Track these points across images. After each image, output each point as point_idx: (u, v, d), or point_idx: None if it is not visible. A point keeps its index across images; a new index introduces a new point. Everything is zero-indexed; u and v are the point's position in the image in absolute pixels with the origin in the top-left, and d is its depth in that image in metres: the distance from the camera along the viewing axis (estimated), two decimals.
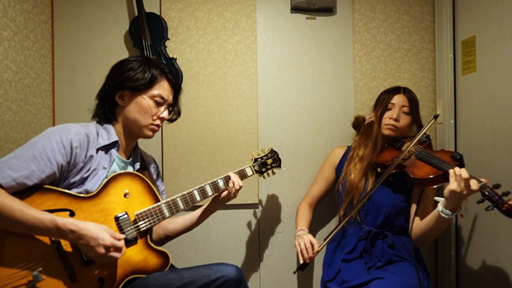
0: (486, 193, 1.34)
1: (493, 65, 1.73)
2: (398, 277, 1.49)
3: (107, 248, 1.15)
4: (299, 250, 1.61)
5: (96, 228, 1.15)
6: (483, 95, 1.79)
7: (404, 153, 1.60)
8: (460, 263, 1.95)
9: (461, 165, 1.50)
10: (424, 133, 1.64)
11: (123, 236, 1.23)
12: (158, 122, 1.37)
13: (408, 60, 2.12)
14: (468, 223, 1.89)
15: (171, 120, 1.47)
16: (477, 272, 1.83)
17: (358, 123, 1.94)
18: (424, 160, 1.57)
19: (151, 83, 1.33)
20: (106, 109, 1.35)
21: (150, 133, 1.38)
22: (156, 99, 1.34)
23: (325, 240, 1.59)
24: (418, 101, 1.78)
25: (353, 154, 1.79)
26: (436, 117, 1.64)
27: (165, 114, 1.38)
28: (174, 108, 1.46)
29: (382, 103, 1.75)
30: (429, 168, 1.53)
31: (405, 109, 1.72)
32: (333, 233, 1.59)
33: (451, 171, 1.40)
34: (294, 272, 1.74)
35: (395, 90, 1.76)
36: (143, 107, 1.33)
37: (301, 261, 1.60)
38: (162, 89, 1.36)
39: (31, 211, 1.10)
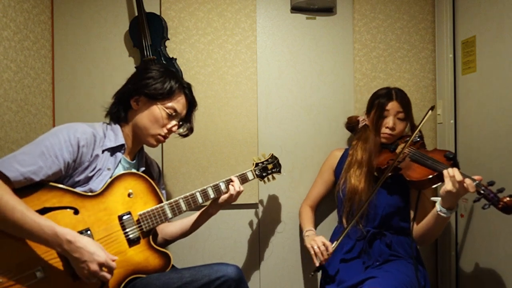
0: (482, 191, 1.34)
1: (493, 65, 1.73)
2: (392, 275, 1.49)
3: (101, 265, 1.13)
4: (313, 253, 1.61)
5: (93, 244, 1.14)
6: (483, 95, 1.79)
7: (399, 156, 1.59)
8: (460, 263, 1.96)
9: (455, 164, 1.51)
10: (417, 133, 1.64)
11: (116, 257, 1.21)
12: (166, 133, 1.39)
13: (408, 60, 2.12)
14: (468, 223, 1.89)
15: (183, 136, 1.49)
16: (477, 272, 1.83)
17: (352, 125, 1.94)
18: (418, 161, 1.57)
19: (168, 95, 1.35)
20: (121, 109, 1.37)
21: (155, 143, 1.40)
22: (169, 111, 1.36)
23: (337, 240, 1.61)
24: (410, 101, 1.75)
25: (352, 159, 1.78)
26: (432, 108, 1.60)
27: (175, 127, 1.40)
28: (187, 124, 1.47)
29: (377, 109, 1.71)
30: (424, 170, 1.52)
31: (400, 115, 1.70)
32: (343, 236, 1.60)
33: (445, 172, 1.41)
34: (311, 275, 1.72)
35: (389, 96, 1.71)
36: (155, 116, 1.35)
37: (317, 264, 1.61)
38: (178, 102, 1.39)
39: (32, 214, 1.10)
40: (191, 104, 1.45)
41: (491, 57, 1.74)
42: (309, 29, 2.07)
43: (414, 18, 2.12)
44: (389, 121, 1.69)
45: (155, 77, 1.35)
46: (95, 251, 1.13)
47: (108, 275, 1.16)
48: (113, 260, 1.17)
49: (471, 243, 1.87)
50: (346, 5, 2.09)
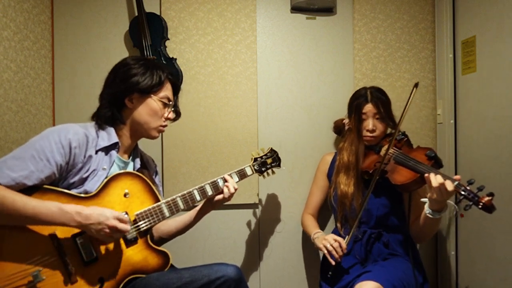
0: (462, 192, 1.32)
1: (493, 65, 1.73)
2: (386, 270, 1.50)
3: (116, 219, 1.18)
4: (326, 251, 1.58)
5: (98, 207, 1.19)
6: (483, 95, 1.79)
7: (384, 158, 1.58)
8: (460, 263, 1.95)
9: (436, 163, 1.51)
10: (399, 131, 1.64)
11: (123, 213, 1.25)
12: (166, 123, 1.40)
13: (408, 60, 2.12)
14: (468, 223, 1.89)
15: (173, 120, 1.49)
16: (477, 272, 1.83)
17: (338, 128, 1.94)
18: (401, 163, 1.57)
19: (159, 85, 1.36)
20: (115, 111, 1.35)
21: (157, 134, 1.40)
22: (164, 100, 1.37)
23: (348, 235, 1.58)
24: (388, 99, 1.74)
25: (339, 163, 1.77)
26: (416, 85, 1.57)
27: (171, 114, 1.41)
28: (176, 108, 1.47)
29: (355, 113, 1.72)
30: (408, 172, 1.52)
31: (377, 116, 1.70)
32: (353, 230, 1.58)
33: (426, 178, 1.41)
34: (329, 275, 1.62)
35: (364, 98, 1.71)
36: (153, 109, 1.35)
37: (333, 262, 1.56)
38: (167, 90, 1.39)
39: (35, 201, 1.12)
40: (175, 87, 1.45)
41: (491, 57, 1.74)
42: (309, 29, 2.07)
43: (414, 18, 2.12)
44: (369, 123, 1.69)
45: (141, 72, 1.34)
46: (103, 210, 1.18)
47: (127, 226, 1.20)
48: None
49: (471, 243, 1.87)
50: (346, 5, 2.09)
